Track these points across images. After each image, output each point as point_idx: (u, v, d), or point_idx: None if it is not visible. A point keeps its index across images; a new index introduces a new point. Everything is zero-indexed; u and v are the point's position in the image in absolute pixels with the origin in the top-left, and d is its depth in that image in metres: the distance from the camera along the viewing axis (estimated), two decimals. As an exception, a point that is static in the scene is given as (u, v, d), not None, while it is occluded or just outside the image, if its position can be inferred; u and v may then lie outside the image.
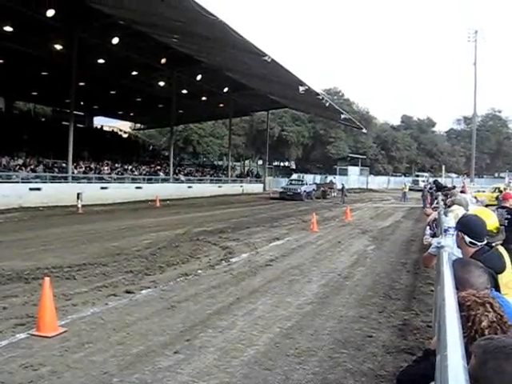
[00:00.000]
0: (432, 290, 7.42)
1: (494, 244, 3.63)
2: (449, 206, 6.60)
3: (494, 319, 2.09)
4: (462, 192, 10.26)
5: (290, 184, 41.55)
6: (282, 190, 40.89)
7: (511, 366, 1.45)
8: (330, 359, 5.35)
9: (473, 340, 2.01)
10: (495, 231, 3.86)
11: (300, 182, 41.49)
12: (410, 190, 46.23)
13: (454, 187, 19.38)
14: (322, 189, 43.42)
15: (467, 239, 3.37)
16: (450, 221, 3.74)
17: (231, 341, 5.86)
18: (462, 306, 2.20)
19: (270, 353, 5.50)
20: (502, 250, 3.71)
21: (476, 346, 1.60)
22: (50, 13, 22.69)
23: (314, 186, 42.43)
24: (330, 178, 51.39)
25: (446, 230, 3.69)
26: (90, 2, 21.43)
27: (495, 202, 25.85)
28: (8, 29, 24.46)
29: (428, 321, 6.50)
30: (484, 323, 2.08)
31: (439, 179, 45.09)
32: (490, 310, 2.12)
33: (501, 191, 28.43)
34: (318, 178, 51.31)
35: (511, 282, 3.50)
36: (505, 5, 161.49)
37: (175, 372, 4.91)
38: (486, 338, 1.68)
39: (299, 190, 38.39)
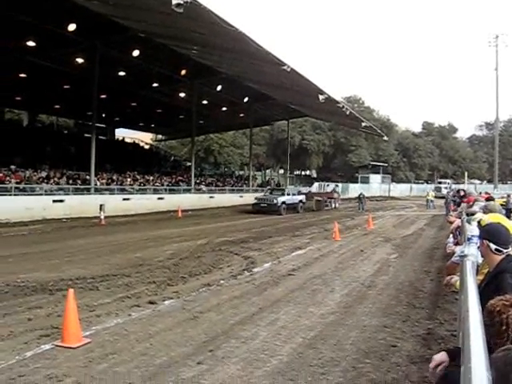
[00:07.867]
0: (456, 299, 7.32)
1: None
2: (472, 214, 6.51)
3: None
4: (488, 200, 10.04)
5: (270, 194, 34.57)
6: (255, 200, 33.22)
7: None
8: (354, 369, 5.29)
9: None
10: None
11: (280, 192, 34.85)
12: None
13: (460, 191, 19.42)
14: (317, 198, 37.73)
15: (493, 247, 3.34)
16: (474, 229, 3.69)
17: (254, 351, 5.84)
18: (492, 313, 2.18)
19: (293, 363, 5.46)
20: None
21: (495, 359, 1.57)
22: (72, 27, 23.14)
23: (302, 197, 35.86)
24: (331, 185, 48.50)
25: (469, 239, 3.64)
26: (111, 15, 21.77)
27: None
28: (31, 44, 25.00)
29: (452, 330, 6.41)
30: None
31: (461, 186, 44.51)
32: None
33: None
34: (340, 186, 49.39)
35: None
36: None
37: (198, 383, 4.90)
38: (503, 348, 1.64)
39: (275, 201, 31.55)
